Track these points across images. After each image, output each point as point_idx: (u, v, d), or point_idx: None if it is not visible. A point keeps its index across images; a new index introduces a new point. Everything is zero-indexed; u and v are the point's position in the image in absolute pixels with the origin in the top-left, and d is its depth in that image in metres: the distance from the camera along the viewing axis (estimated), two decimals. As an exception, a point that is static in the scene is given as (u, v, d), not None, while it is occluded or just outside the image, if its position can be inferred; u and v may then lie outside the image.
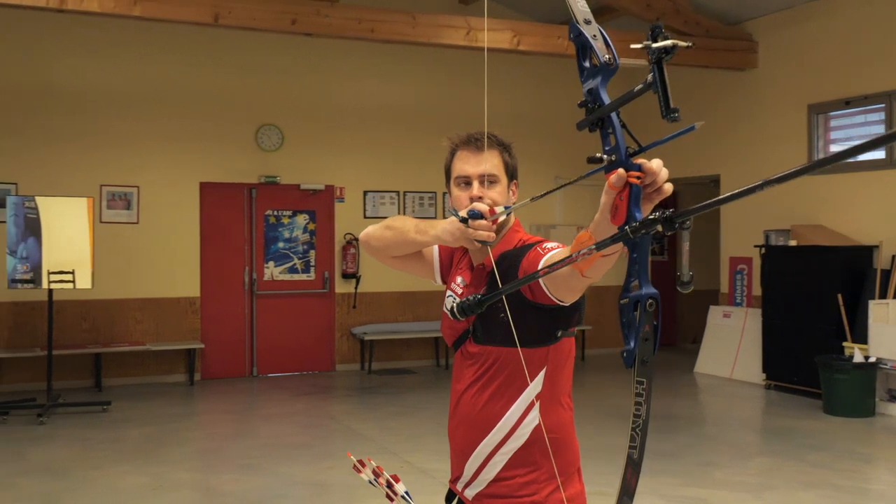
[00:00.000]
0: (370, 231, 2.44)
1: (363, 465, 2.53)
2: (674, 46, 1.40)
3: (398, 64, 10.40)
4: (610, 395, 9.10)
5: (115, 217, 9.33)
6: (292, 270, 10.16)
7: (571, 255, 1.54)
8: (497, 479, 2.20)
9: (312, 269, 10.24)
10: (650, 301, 1.44)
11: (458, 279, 2.32)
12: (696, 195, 12.58)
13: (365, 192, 10.43)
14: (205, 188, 9.73)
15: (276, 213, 10.09)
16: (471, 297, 1.66)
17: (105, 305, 9.31)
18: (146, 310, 9.52)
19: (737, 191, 1.22)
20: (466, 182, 2.23)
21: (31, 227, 7.94)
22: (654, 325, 1.45)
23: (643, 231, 1.39)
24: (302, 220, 10.20)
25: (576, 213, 11.51)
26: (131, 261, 9.37)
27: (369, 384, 9.63)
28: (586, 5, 1.68)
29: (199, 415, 8.37)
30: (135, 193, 9.42)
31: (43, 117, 9.03)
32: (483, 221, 2.03)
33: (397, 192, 10.57)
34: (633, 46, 1.46)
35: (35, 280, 7.91)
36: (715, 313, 10.31)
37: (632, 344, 1.44)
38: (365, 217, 10.41)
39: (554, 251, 2.06)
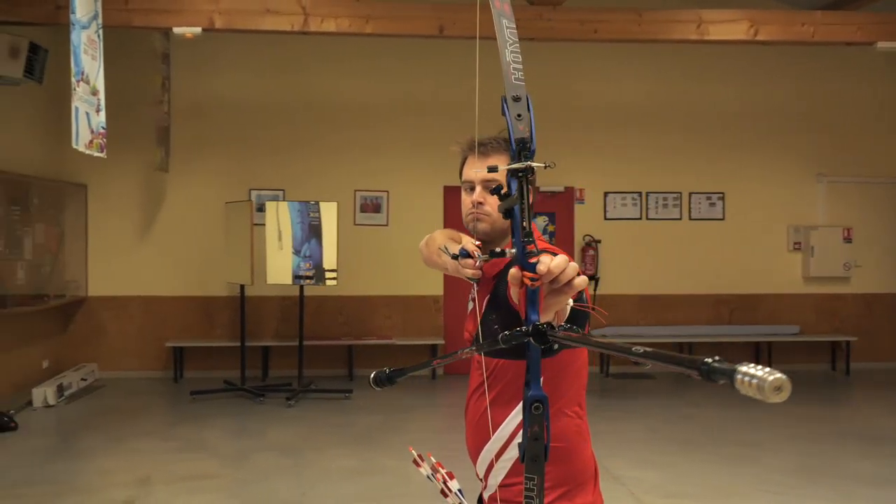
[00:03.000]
0: (420, 247, 2.57)
1: (422, 459, 2.63)
2: (526, 168, 1.43)
3: (630, 62, 10.21)
4: (868, 415, 8.29)
5: (367, 220, 10.09)
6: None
7: (457, 352, 1.57)
8: (502, 485, 2.23)
9: (552, 271, 10.33)
10: (535, 404, 1.46)
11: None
12: None
13: (605, 194, 10.34)
14: (448, 192, 10.19)
15: (515, 215, 10.31)
16: (385, 370, 1.72)
17: (358, 302, 10.10)
18: (394, 306, 10.18)
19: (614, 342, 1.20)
20: (472, 187, 2.26)
21: (314, 230, 8.83)
22: (544, 425, 1.47)
23: (513, 342, 1.40)
24: (541, 221, 10.34)
25: (841, 213, 10.54)
26: (381, 261, 10.08)
27: (603, 387, 9.55)
28: (522, 79, 1.64)
29: (428, 408, 8.79)
30: (384, 198, 10.12)
31: (305, 130, 10.00)
32: (469, 260, 2.07)
33: (639, 193, 10.36)
34: (473, 172, 1.48)
35: (316, 277, 8.78)
36: None
37: (524, 441, 1.48)
38: (605, 219, 10.33)
39: None
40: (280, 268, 8.85)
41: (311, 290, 9.04)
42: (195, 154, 9.84)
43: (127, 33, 8.78)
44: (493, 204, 2.24)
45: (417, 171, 10.14)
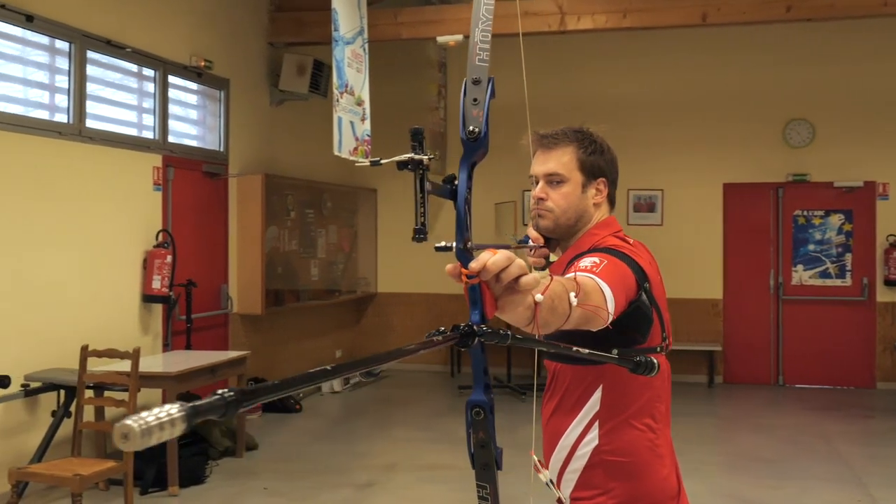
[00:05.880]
0: None
1: (542, 465, 2.55)
2: (411, 160, 1.39)
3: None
4: None
5: (640, 220, 9.80)
6: (824, 275, 9.39)
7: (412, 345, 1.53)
8: (572, 498, 2.11)
9: (848, 275, 9.32)
10: (476, 409, 1.39)
11: None
12: None
13: (915, 188, 9.14)
14: (728, 189, 9.60)
15: (805, 213, 9.44)
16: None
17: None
18: (669, 310, 9.76)
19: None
20: (536, 182, 2.15)
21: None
22: (488, 431, 1.39)
23: (441, 344, 1.33)
24: (836, 220, 9.36)
25: None
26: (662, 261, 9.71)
27: (904, 406, 8.44)
28: (486, 60, 1.53)
29: (690, 416, 8.31)
30: (659, 196, 9.76)
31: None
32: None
33: (958, 187, 9.02)
34: (358, 163, 1.44)
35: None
36: None
37: (471, 448, 1.42)
38: (915, 216, 9.12)
39: (580, 273, 1.72)
40: (550, 268, 8.90)
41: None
42: (470, 157, 10.19)
43: (402, 46, 9.34)
44: (556, 200, 2.12)
45: (696, 170, 9.66)
